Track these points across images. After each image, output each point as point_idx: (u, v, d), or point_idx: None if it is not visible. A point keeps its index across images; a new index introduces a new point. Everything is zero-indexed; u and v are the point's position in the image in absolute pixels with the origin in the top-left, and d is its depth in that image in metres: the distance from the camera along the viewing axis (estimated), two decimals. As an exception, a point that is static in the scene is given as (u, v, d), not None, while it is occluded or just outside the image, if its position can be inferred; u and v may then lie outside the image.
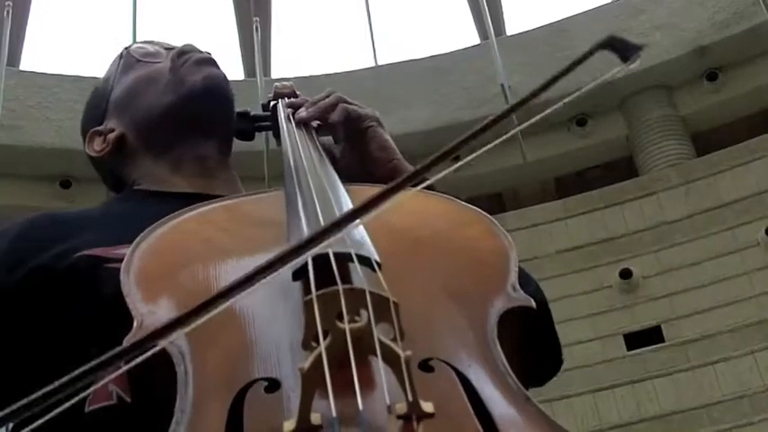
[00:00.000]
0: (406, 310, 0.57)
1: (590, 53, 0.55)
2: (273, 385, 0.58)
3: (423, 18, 11.16)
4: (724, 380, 6.33)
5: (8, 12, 8.25)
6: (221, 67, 1.14)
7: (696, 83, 8.10)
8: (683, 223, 7.04)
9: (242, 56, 9.24)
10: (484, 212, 0.86)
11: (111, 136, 1.11)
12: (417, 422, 0.50)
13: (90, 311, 0.82)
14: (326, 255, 0.63)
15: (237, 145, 1.17)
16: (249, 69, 9.01)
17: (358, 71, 8.66)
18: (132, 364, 0.49)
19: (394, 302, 0.57)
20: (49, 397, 0.44)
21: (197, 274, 0.74)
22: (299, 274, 0.65)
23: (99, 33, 10.55)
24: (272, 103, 1.16)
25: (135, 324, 0.67)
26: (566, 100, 0.55)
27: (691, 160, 7.71)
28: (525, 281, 0.76)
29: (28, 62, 8.81)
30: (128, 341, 0.64)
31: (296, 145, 0.98)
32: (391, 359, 0.52)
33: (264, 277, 0.50)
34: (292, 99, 1.14)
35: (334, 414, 0.49)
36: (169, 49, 1.16)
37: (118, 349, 0.48)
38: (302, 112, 1.08)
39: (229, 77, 1.17)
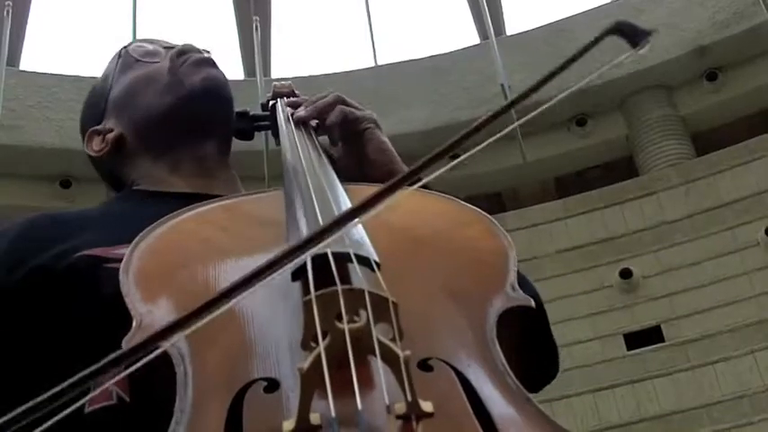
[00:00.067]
0: (405, 309, 0.57)
1: (598, 39, 0.54)
2: (273, 385, 0.58)
3: (422, 18, 11.16)
4: (724, 380, 6.33)
5: (8, 12, 8.26)
6: (220, 68, 1.13)
7: (696, 83, 8.11)
8: (683, 223, 7.04)
9: (242, 56, 9.24)
10: (483, 212, 0.86)
11: (110, 136, 1.11)
12: (416, 422, 0.50)
13: (89, 311, 0.82)
14: (325, 255, 0.63)
15: (237, 144, 1.17)
16: (249, 69, 9.01)
17: (358, 71, 8.66)
18: (133, 368, 0.49)
19: (393, 302, 0.57)
20: (48, 403, 0.44)
21: (196, 274, 0.74)
22: (299, 274, 0.65)
23: (99, 33, 10.55)
24: (270, 103, 1.16)
25: (134, 324, 0.67)
26: (562, 95, 0.55)
27: (691, 160, 7.72)
28: (521, 282, 0.76)
29: (28, 62, 8.83)
30: (126, 341, 0.64)
31: (295, 145, 0.98)
32: (390, 359, 0.52)
33: (264, 278, 0.50)
34: (292, 99, 1.14)
35: (333, 414, 0.49)
36: (168, 47, 1.15)
37: (117, 353, 0.48)
38: (300, 111, 1.08)
39: (229, 77, 1.17)
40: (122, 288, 0.72)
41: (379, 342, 0.52)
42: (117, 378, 0.49)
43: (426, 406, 0.50)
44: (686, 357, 6.54)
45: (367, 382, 0.53)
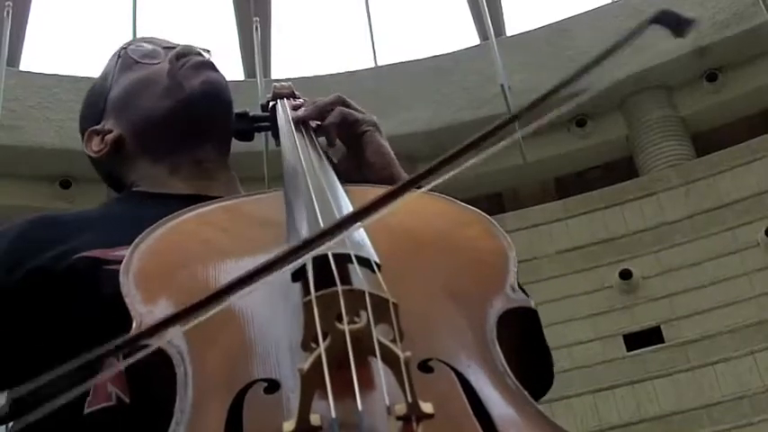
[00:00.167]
0: (405, 310, 0.57)
1: (641, 29, 0.53)
2: (273, 386, 0.58)
3: (423, 18, 11.17)
4: (724, 380, 6.34)
5: (8, 12, 8.26)
6: (220, 70, 1.13)
7: (696, 83, 8.11)
8: (683, 224, 7.05)
9: (242, 56, 9.24)
10: (483, 213, 0.86)
11: (109, 137, 1.11)
12: (417, 423, 0.50)
13: (89, 312, 0.82)
14: (326, 255, 0.63)
15: (236, 145, 1.17)
16: (249, 70, 9.01)
17: (358, 71, 8.66)
18: (130, 360, 0.49)
19: (393, 303, 0.57)
20: (49, 387, 0.44)
21: (196, 275, 0.74)
22: (299, 274, 0.65)
23: (99, 33, 10.54)
24: (270, 104, 1.16)
25: (134, 324, 0.67)
26: (567, 104, 0.54)
27: (691, 161, 7.72)
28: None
29: (28, 62, 8.83)
30: (127, 342, 0.64)
31: (295, 145, 0.97)
32: (391, 360, 0.52)
33: (263, 278, 0.50)
34: (293, 101, 1.14)
35: (333, 415, 0.49)
36: (168, 47, 1.15)
37: (117, 341, 0.48)
38: (299, 112, 1.08)
39: (229, 78, 1.16)
40: (123, 289, 0.72)
41: (380, 343, 0.52)
42: (113, 372, 0.49)
43: (426, 407, 0.50)
44: (686, 358, 6.54)
45: (367, 383, 0.53)
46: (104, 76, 1.17)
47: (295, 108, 1.10)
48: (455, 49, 8.81)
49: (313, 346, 0.53)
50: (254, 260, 0.59)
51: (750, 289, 6.61)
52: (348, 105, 1.08)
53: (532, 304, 0.72)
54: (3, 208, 7.08)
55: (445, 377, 0.59)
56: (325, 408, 0.49)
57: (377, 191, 0.94)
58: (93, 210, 1.08)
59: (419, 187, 0.54)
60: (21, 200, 7.49)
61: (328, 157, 1.03)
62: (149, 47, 1.16)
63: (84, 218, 1.02)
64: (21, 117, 7.80)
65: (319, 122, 1.08)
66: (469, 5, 9.41)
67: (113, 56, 1.18)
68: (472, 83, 8.30)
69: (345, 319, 0.54)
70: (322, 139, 1.08)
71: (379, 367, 0.52)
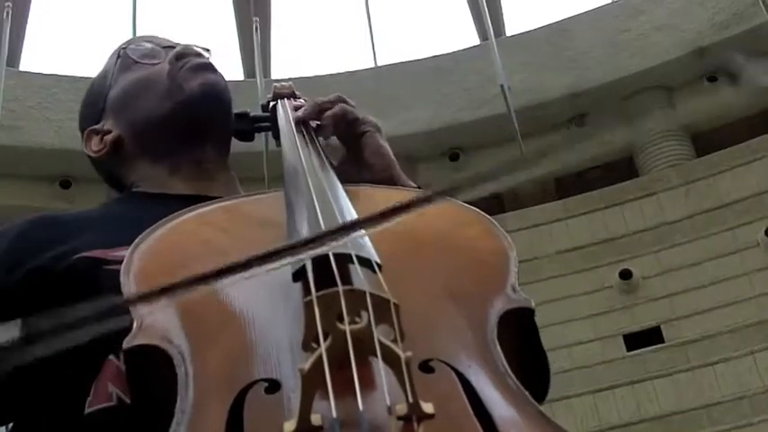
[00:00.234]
0: (406, 310, 0.57)
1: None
2: (274, 386, 0.58)
3: (423, 18, 11.16)
4: (724, 380, 6.34)
5: (8, 12, 8.26)
6: (219, 71, 1.13)
7: (696, 83, 8.11)
8: (683, 224, 7.05)
9: (242, 56, 9.24)
10: (483, 213, 0.86)
11: (109, 137, 1.11)
12: (417, 423, 0.50)
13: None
14: (327, 256, 0.63)
15: (236, 146, 1.17)
16: (249, 70, 9.01)
17: (358, 71, 8.66)
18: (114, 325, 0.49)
19: (394, 304, 0.57)
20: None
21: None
22: (300, 275, 0.65)
23: (99, 33, 10.54)
24: (271, 104, 1.16)
25: (134, 325, 0.67)
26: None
27: (691, 161, 7.72)
28: None
29: (27, 62, 8.83)
30: (127, 343, 0.64)
31: (295, 146, 0.97)
32: (391, 360, 0.52)
33: (259, 266, 0.50)
34: (294, 101, 1.14)
35: (334, 415, 0.49)
36: (168, 47, 1.15)
37: (111, 301, 0.48)
38: (300, 112, 1.07)
39: (229, 78, 1.16)
40: (123, 289, 0.72)
41: (381, 343, 0.52)
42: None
43: (427, 407, 0.50)
44: (686, 358, 6.54)
45: (368, 383, 0.53)
46: (104, 74, 1.17)
47: (296, 108, 1.10)
48: (455, 49, 8.80)
49: (314, 346, 0.53)
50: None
51: (750, 289, 6.61)
52: (348, 104, 1.08)
53: (532, 304, 0.72)
54: (3, 208, 7.08)
55: (446, 377, 0.59)
56: (326, 408, 0.49)
57: (377, 190, 0.93)
58: (94, 210, 1.08)
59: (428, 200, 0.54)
60: (21, 200, 7.49)
61: (328, 160, 1.03)
62: (149, 46, 1.16)
63: (85, 218, 1.02)
64: (20, 117, 7.80)
65: (320, 123, 1.07)
66: (469, 5, 9.41)
67: (113, 54, 1.18)
68: (472, 83, 8.30)
69: (346, 319, 0.54)
70: (326, 140, 1.08)
71: (379, 367, 0.52)
